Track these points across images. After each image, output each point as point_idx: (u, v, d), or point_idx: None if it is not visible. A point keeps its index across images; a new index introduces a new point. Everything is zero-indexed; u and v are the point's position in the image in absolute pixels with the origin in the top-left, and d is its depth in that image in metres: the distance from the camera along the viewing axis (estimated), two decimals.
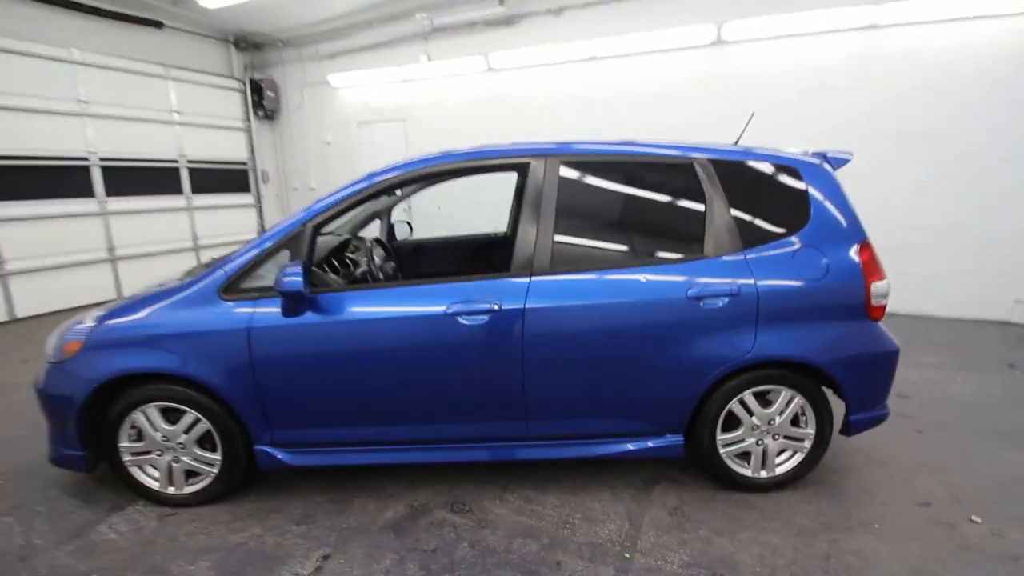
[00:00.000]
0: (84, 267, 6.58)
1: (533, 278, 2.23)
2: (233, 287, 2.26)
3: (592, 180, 2.42)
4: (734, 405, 2.33)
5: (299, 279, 2.03)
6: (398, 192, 3.66)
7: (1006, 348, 4.44)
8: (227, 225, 8.31)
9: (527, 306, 2.19)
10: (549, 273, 2.24)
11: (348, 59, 7.86)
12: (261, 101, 8.45)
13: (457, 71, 7.13)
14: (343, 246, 3.07)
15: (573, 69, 6.53)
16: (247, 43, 8.24)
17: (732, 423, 2.38)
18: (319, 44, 7.95)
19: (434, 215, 7.59)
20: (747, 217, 2.30)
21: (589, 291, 2.23)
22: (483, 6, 6.57)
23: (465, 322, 2.18)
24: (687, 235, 2.32)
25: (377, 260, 2.89)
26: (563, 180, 2.34)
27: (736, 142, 2.75)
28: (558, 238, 2.28)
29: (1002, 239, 5.07)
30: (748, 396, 2.33)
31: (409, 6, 6.82)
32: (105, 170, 6.68)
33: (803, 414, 2.38)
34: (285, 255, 2.28)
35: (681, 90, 6.10)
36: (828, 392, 2.41)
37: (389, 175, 2.35)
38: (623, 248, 2.39)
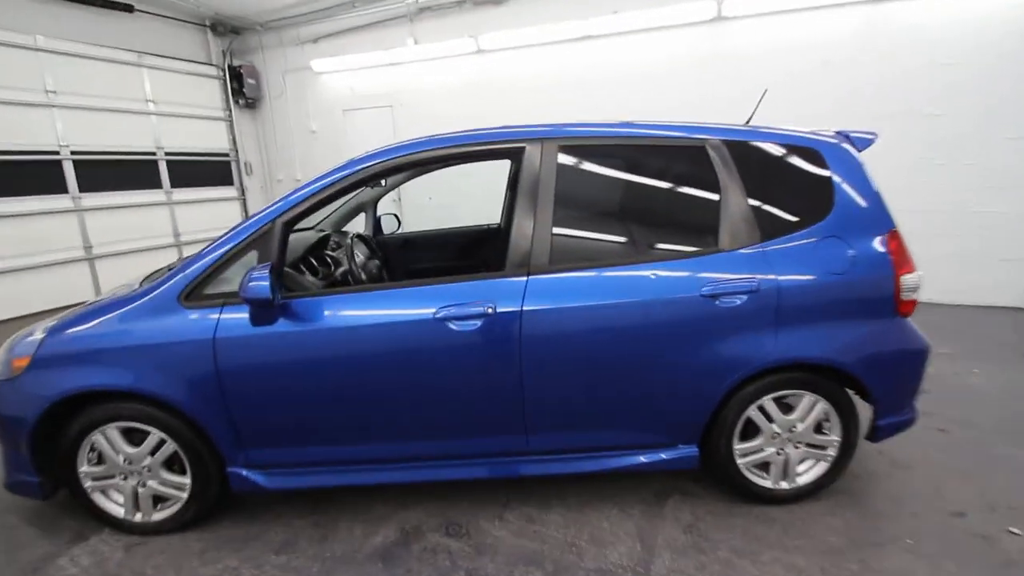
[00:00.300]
0: (60, 267, 6.27)
1: (531, 277, 2.01)
2: (196, 293, 2.02)
3: (594, 166, 2.19)
4: (752, 412, 2.13)
5: (265, 284, 1.80)
6: (383, 182, 3.42)
7: (1020, 337, 4.27)
8: (210, 220, 8.00)
9: (524, 308, 1.97)
10: (548, 271, 2.02)
11: (331, 43, 7.52)
12: (241, 89, 8.08)
13: (445, 53, 6.81)
14: (323, 243, 2.82)
15: (566, 49, 6.25)
16: (224, 27, 7.85)
17: (750, 431, 2.18)
18: (300, 27, 7.60)
19: (425, 206, 7.34)
20: (765, 205, 2.08)
21: (593, 290, 2.00)
22: None
23: (456, 328, 1.96)
24: (700, 226, 2.10)
25: (359, 258, 2.65)
26: (561, 167, 2.11)
27: (747, 122, 2.53)
28: (557, 231, 2.05)
29: (1008, 221, 4.88)
30: (768, 401, 2.13)
31: None
32: (78, 164, 6.34)
33: (827, 420, 2.18)
34: (254, 255, 2.04)
35: (679, 69, 5.84)
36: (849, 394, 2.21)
37: (370, 163, 2.11)
38: (629, 242, 2.16)
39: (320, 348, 1.97)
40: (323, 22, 7.38)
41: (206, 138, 7.98)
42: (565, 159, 2.12)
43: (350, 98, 7.80)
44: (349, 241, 2.57)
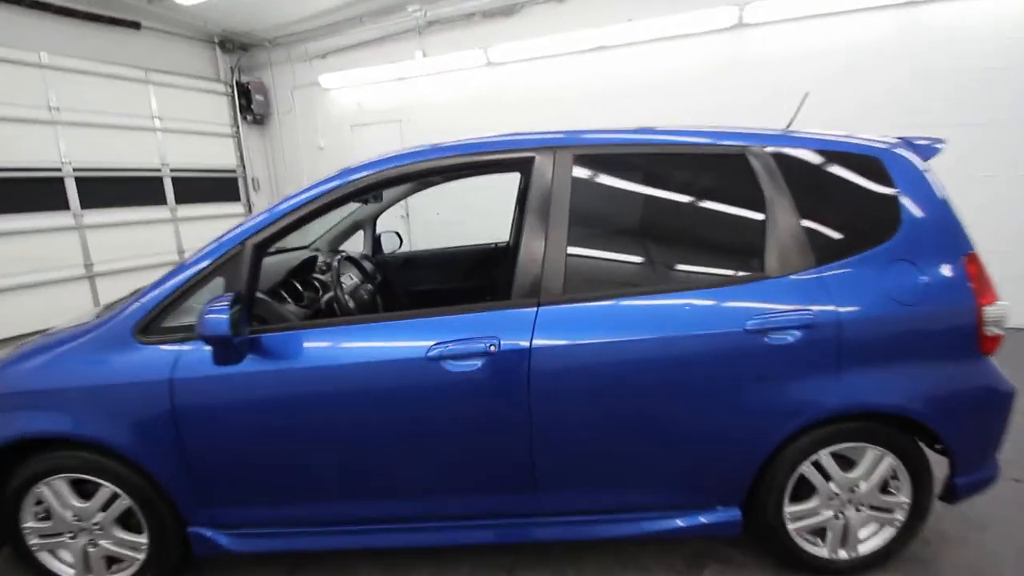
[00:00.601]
0: (59, 285, 6.11)
1: (541, 307, 1.71)
2: (153, 326, 1.75)
3: (615, 179, 1.90)
4: (806, 468, 1.79)
5: (223, 318, 1.52)
6: (376, 197, 3.15)
7: None
8: (216, 236, 7.83)
9: (534, 344, 1.66)
10: (562, 300, 1.71)
11: (339, 58, 7.39)
12: (249, 105, 7.97)
13: (454, 67, 6.63)
14: (310, 264, 2.55)
15: (579, 60, 6.01)
16: (233, 44, 7.78)
17: (802, 490, 1.83)
18: (308, 43, 7.49)
19: (432, 221, 7.12)
20: (819, 223, 1.76)
21: (615, 323, 1.69)
22: None
23: (452, 369, 1.66)
24: (741, 248, 1.79)
25: (348, 283, 2.37)
26: (577, 179, 1.81)
27: (788, 126, 2.22)
28: (572, 254, 1.75)
29: None
30: (824, 456, 1.78)
31: None
32: (80, 181, 6.21)
33: (894, 477, 1.83)
34: (222, 282, 1.77)
35: (698, 77, 5.57)
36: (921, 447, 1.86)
37: (361, 175, 1.84)
38: (657, 267, 1.85)
39: (292, 392, 1.68)
40: (331, 37, 7.26)
41: (213, 154, 7.85)
42: (581, 171, 1.83)
43: (358, 113, 7.65)
44: (336, 264, 2.30)
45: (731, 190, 1.82)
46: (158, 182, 7.10)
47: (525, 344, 1.66)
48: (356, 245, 3.51)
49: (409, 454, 1.74)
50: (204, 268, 1.75)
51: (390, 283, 3.27)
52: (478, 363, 1.65)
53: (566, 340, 1.67)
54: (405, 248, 3.70)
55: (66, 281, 6.18)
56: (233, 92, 7.96)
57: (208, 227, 7.77)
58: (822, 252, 1.72)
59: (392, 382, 1.67)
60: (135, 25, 6.65)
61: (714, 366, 1.66)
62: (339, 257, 2.39)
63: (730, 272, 1.77)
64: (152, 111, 6.98)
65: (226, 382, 1.68)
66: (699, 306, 1.69)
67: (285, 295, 2.21)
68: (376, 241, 3.43)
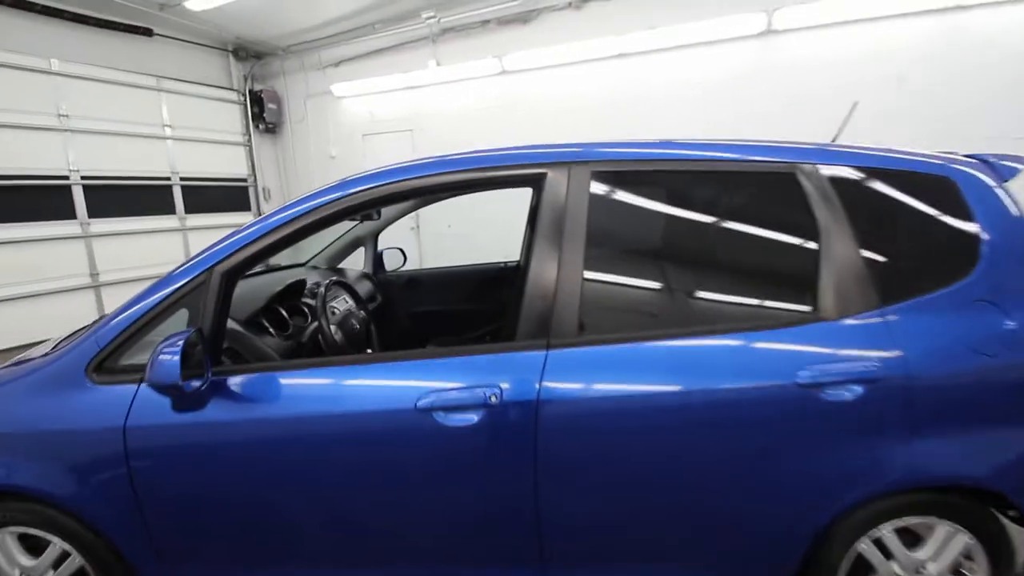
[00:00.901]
0: (64, 294, 6.02)
1: (551, 350, 1.46)
2: (109, 363, 1.54)
3: (639, 200, 1.65)
4: (864, 545, 1.51)
5: (174, 362, 1.30)
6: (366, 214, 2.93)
7: None
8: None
9: (542, 395, 1.41)
10: (575, 343, 1.46)
11: (352, 67, 7.29)
12: (262, 114, 7.90)
13: (468, 75, 6.46)
14: (299, 287, 2.32)
15: (598, 68, 5.80)
16: (247, 52, 7.72)
17: (860, 570, 1.55)
18: (322, 51, 7.40)
19: (444, 234, 6.92)
20: (883, 256, 1.49)
21: (638, 371, 1.44)
22: (495, 1, 5.89)
23: (445, 421, 1.41)
24: (789, 284, 1.53)
25: (337, 311, 2.14)
26: (595, 199, 1.57)
27: (834, 139, 1.96)
28: (589, 289, 1.51)
29: None
30: (887, 531, 1.50)
31: (415, 5, 6.18)
32: (88, 189, 6.14)
33: (968, 557, 1.54)
34: (186, 314, 1.56)
35: (723, 86, 5.33)
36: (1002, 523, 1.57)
37: (360, 188, 1.63)
38: (690, 304, 1.60)
39: (258, 445, 1.45)
40: (345, 45, 7.15)
41: (224, 163, 7.78)
42: (599, 190, 1.58)
43: (370, 123, 7.53)
44: (323, 290, 2.06)
45: (778, 215, 1.56)
46: (167, 191, 7.03)
47: (532, 395, 1.41)
48: (358, 262, 3.31)
49: (394, 519, 1.50)
50: (164, 299, 1.53)
51: (391, 304, 3.05)
52: (475, 416, 1.40)
53: (580, 390, 1.42)
54: (415, 261, 3.49)
55: (71, 291, 6.09)
56: (246, 100, 7.89)
57: (217, 236, 7.58)
58: (887, 291, 1.45)
59: (374, 436, 1.43)
60: (147, 32, 6.60)
61: (759, 425, 1.39)
62: (327, 281, 2.17)
63: (776, 312, 1.50)
64: (163, 119, 6.92)
65: (185, 432, 1.46)
66: (740, 352, 1.43)
67: (268, 324, 1.99)
68: (378, 258, 3.22)
